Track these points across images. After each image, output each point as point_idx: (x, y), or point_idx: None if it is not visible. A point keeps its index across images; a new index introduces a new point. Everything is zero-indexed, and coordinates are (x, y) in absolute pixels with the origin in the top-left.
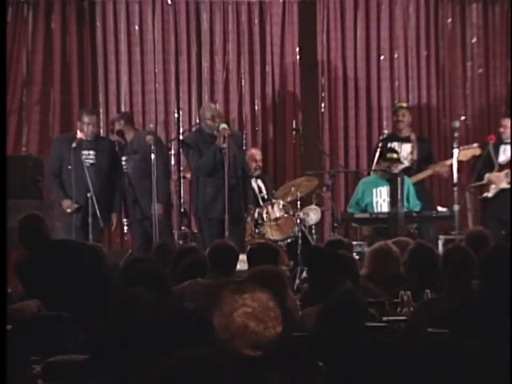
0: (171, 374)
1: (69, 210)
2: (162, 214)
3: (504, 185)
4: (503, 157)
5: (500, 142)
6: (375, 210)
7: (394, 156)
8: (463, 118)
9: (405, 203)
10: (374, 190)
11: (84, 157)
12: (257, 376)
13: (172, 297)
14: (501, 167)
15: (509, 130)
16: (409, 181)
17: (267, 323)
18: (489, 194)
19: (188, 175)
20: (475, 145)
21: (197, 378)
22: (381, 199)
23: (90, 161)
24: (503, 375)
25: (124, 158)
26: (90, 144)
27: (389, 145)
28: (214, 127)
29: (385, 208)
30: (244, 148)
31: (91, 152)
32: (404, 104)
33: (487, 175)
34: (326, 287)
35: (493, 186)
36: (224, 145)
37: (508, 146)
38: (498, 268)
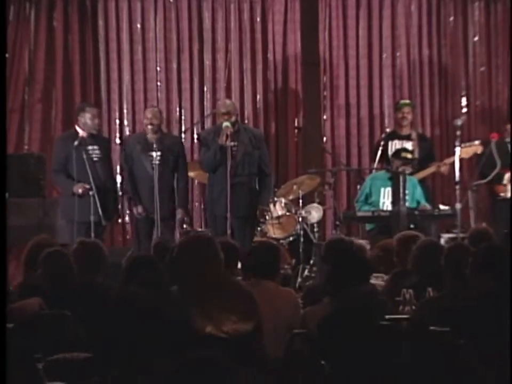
0: (178, 374)
1: (80, 191)
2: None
3: None
4: None
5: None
6: None
7: (409, 156)
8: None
9: (414, 205)
10: (382, 190)
11: (90, 152)
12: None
13: (169, 295)
14: None
15: None
16: (416, 181)
17: (241, 314)
18: (508, 194)
19: (191, 173)
20: (477, 142)
21: (205, 379)
22: (387, 201)
23: (97, 155)
24: (504, 374)
25: (154, 154)
26: (94, 139)
27: (390, 143)
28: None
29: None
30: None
31: (95, 147)
32: (408, 101)
33: (507, 175)
34: (344, 285)
35: (509, 187)
36: (228, 144)
37: None
38: (493, 265)
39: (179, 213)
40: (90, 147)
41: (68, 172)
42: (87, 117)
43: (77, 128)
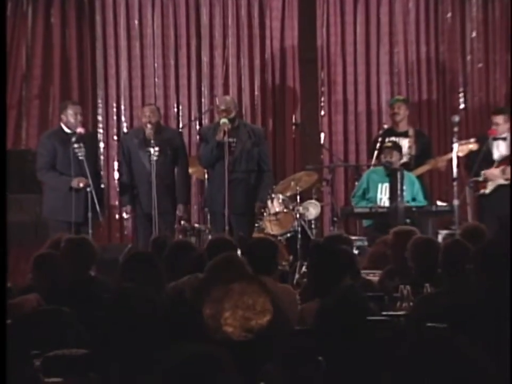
0: (175, 369)
1: (81, 185)
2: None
3: (502, 181)
4: (497, 153)
5: (493, 137)
6: None
7: (389, 144)
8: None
9: (412, 201)
10: (380, 185)
11: (76, 150)
12: (253, 367)
13: (166, 291)
14: (498, 163)
15: (501, 127)
16: (414, 178)
17: (256, 309)
18: (487, 190)
19: (189, 170)
20: (472, 140)
21: (201, 374)
22: (385, 197)
23: (82, 153)
24: (503, 373)
25: (151, 150)
26: (80, 137)
27: (387, 140)
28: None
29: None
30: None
31: (81, 144)
32: (400, 97)
33: (483, 172)
34: (326, 283)
35: (489, 183)
36: (225, 140)
37: (501, 142)
38: (493, 262)
39: (179, 209)
40: (76, 145)
41: (56, 169)
42: (69, 115)
43: (62, 125)
